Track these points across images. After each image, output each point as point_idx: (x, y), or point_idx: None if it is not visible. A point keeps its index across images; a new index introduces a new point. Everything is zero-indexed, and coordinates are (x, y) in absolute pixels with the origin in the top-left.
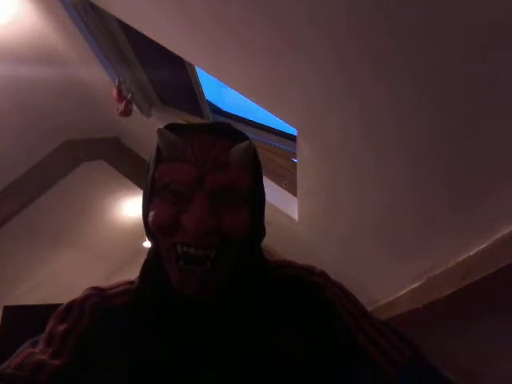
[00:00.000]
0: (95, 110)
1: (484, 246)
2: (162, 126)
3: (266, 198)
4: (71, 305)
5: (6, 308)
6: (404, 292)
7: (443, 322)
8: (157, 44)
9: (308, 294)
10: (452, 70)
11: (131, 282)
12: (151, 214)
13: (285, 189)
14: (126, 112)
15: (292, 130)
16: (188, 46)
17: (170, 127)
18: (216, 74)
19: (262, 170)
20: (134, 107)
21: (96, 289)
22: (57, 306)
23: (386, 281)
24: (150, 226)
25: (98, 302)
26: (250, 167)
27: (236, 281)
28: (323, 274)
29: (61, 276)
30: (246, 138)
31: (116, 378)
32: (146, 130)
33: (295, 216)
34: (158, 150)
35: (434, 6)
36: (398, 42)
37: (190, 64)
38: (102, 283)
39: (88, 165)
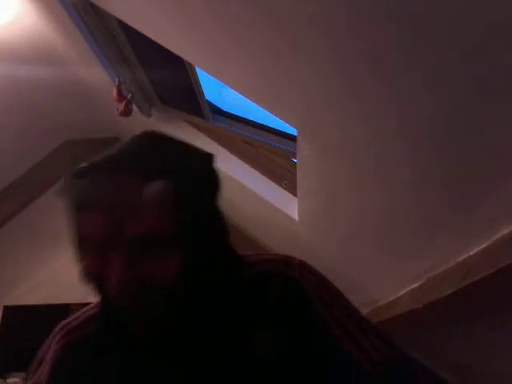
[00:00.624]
0: (95, 110)
1: (484, 245)
2: (162, 126)
3: (266, 197)
4: (36, 359)
5: (6, 308)
6: (404, 292)
7: (443, 322)
8: (157, 44)
9: (283, 289)
10: (452, 70)
11: (94, 307)
12: (80, 266)
13: (285, 189)
14: (126, 112)
15: (292, 130)
16: (188, 46)
17: (77, 173)
18: (216, 74)
19: (198, 198)
20: (134, 107)
21: (60, 328)
22: (57, 306)
23: (386, 281)
24: (83, 276)
25: (59, 341)
26: (170, 205)
27: (193, 299)
28: (299, 265)
29: (61, 276)
30: (161, 170)
31: None
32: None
33: (295, 216)
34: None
35: (433, 5)
36: (398, 42)
37: (189, 64)
38: None
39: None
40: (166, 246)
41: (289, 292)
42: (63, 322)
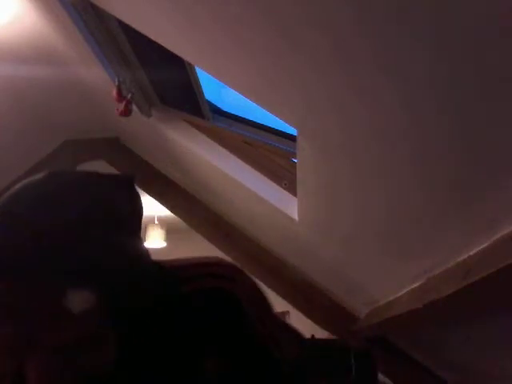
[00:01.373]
0: (95, 110)
1: (484, 245)
2: (162, 126)
3: (266, 197)
4: None
5: None
6: (404, 292)
7: (443, 322)
8: (157, 44)
9: (218, 308)
10: (455, 69)
11: None
12: None
13: (285, 189)
14: (126, 112)
15: (292, 130)
16: (188, 46)
17: None
18: (216, 74)
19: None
20: (134, 107)
21: None
22: None
23: (386, 281)
24: None
25: None
26: (97, 315)
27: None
28: (227, 273)
29: None
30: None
31: None
32: (146, 130)
33: (295, 216)
34: None
35: (435, 3)
36: (400, 41)
37: (189, 64)
38: None
39: (88, 165)
40: (96, 342)
41: (222, 309)
42: None
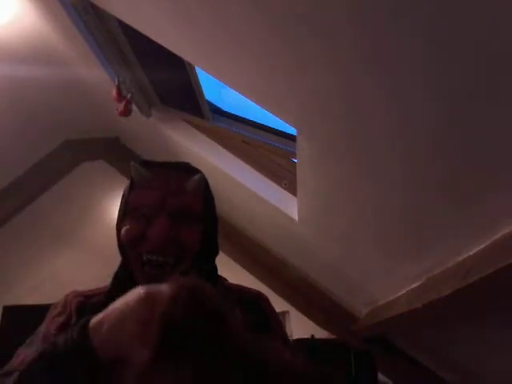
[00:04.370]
0: (95, 110)
1: (484, 245)
2: (162, 125)
3: (266, 197)
4: (59, 305)
5: (6, 308)
6: (404, 292)
7: (443, 322)
8: (157, 44)
9: (254, 306)
10: (452, 70)
11: (102, 288)
12: (123, 229)
13: (285, 189)
14: (126, 112)
15: (292, 130)
16: (188, 46)
17: (142, 162)
18: (216, 74)
19: (213, 198)
20: (134, 107)
21: (77, 292)
22: None
23: (386, 281)
24: (122, 240)
25: (80, 300)
26: (201, 195)
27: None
28: (265, 296)
29: (61, 276)
30: (199, 172)
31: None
32: (146, 129)
33: (295, 216)
34: (132, 179)
35: (433, 3)
36: (397, 41)
37: (189, 64)
38: (102, 283)
39: (88, 165)
40: (193, 220)
41: (258, 309)
42: (75, 290)
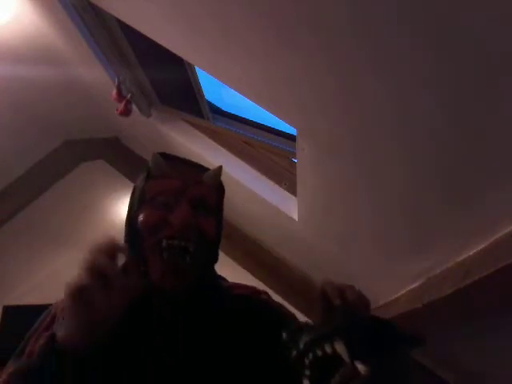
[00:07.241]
0: (95, 110)
1: (484, 245)
2: (161, 125)
3: (266, 197)
4: (48, 317)
5: (6, 308)
6: (404, 292)
7: (443, 322)
8: (157, 44)
9: (256, 309)
10: (453, 70)
11: None
12: (141, 216)
13: (285, 189)
14: (126, 112)
15: (292, 130)
16: (188, 46)
17: (162, 154)
18: (216, 74)
19: (224, 194)
20: (134, 107)
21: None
22: None
23: (386, 281)
24: (140, 226)
25: None
26: (217, 187)
27: (201, 284)
28: (266, 293)
29: (61, 276)
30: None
31: (96, 363)
32: (145, 129)
33: (295, 216)
34: (148, 170)
35: (433, 4)
36: (398, 42)
37: (189, 64)
38: None
39: (88, 165)
40: (209, 211)
41: (261, 311)
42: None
